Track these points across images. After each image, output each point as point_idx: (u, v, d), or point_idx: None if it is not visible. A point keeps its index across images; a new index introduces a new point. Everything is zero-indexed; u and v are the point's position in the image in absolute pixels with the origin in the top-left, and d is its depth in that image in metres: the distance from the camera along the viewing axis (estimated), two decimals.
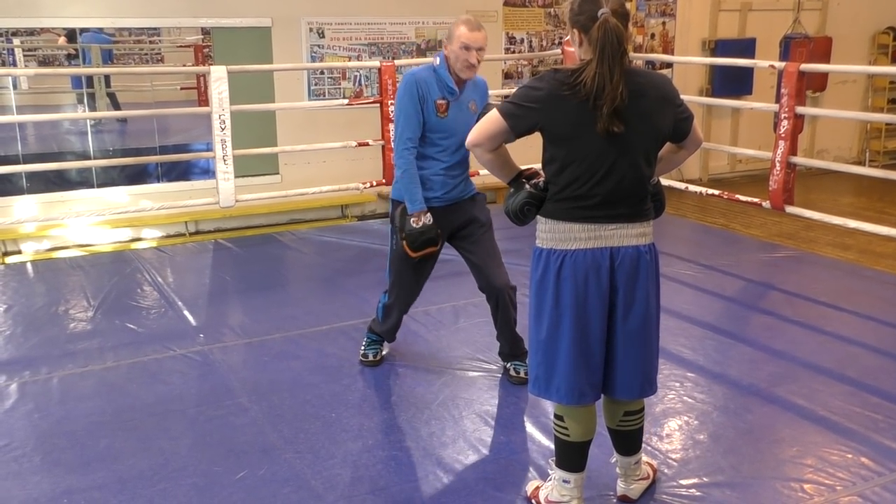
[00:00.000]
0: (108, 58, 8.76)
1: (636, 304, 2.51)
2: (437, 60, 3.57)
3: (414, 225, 3.56)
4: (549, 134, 2.46)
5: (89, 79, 8.59)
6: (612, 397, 2.66)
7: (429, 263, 3.78)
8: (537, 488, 2.85)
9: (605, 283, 2.47)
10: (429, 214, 3.60)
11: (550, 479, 2.80)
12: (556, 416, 2.69)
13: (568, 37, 2.44)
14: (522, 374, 3.71)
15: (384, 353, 4.07)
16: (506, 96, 7.84)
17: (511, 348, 3.83)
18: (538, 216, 2.57)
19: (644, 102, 2.41)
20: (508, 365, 3.84)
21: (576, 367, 2.53)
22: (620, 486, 2.87)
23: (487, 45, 3.55)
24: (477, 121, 2.96)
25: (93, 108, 8.77)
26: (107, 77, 8.79)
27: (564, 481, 2.70)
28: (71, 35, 8.08)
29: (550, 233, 2.52)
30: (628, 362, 2.56)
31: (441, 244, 3.68)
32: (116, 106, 9.04)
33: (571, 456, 2.68)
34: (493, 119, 2.49)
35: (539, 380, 2.62)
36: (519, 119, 2.45)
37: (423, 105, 3.52)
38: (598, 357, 2.54)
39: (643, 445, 2.89)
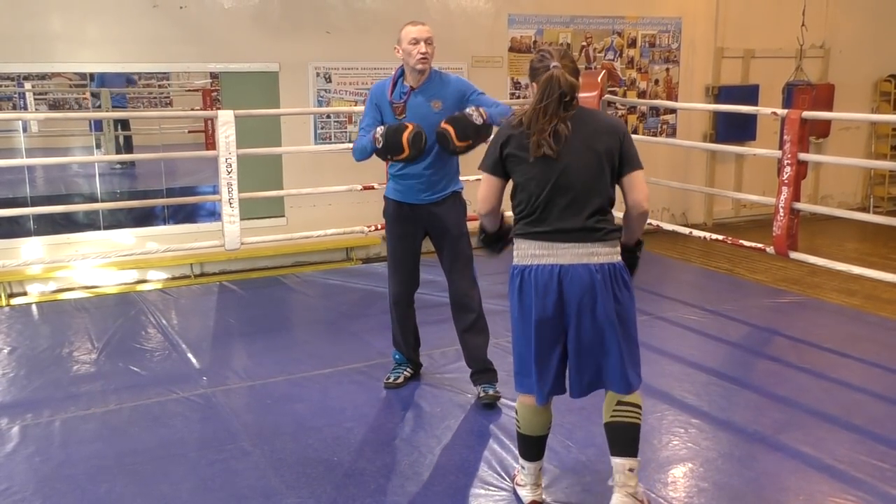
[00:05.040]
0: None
1: (592, 319, 2.78)
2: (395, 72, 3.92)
3: (379, 141, 3.72)
4: (508, 162, 2.88)
5: (98, 123, 8.68)
6: (570, 396, 2.92)
7: (411, 242, 4.05)
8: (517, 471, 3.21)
9: (553, 298, 2.78)
10: (382, 126, 3.76)
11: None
12: (515, 409, 3.05)
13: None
14: (491, 393, 3.97)
15: (407, 375, 4.27)
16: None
17: (471, 364, 4.06)
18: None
19: (589, 130, 2.81)
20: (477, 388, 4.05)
21: (534, 368, 2.86)
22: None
23: (434, 36, 3.81)
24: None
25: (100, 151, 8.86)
26: (123, 122, 8.86)
27: (522, 467, 3.09)
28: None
29: (518, 250, 2.90)
30: (582, 369, 2.85)
31: (425, 141, 3.71)
32: (129, 148, 9.09)
33: (525, 445, 3.05)
34: (483, 182, 2.96)
35: (515, 376, 2.98)
36: (494, 163, 2.91)
37: (380, 111, 3.88)
38: (553, 363, 2.84)
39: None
